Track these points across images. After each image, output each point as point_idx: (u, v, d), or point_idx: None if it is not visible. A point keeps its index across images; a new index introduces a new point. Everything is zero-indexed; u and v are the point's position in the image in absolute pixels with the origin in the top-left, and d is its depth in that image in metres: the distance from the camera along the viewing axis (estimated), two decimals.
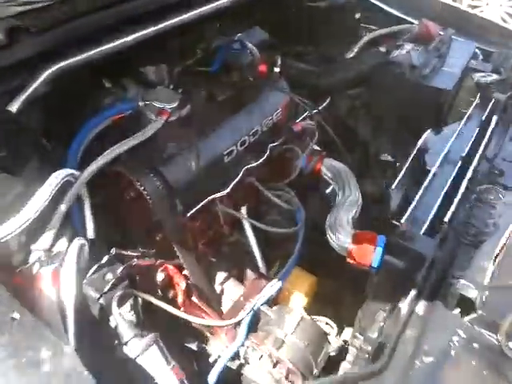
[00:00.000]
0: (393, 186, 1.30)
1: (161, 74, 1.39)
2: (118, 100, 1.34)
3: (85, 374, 0.73)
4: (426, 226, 1.11)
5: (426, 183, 1.23)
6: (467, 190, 1.14)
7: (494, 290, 0.88)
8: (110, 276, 1.03)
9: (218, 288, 1.28)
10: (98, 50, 1.31)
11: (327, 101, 1.77)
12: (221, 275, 1.30)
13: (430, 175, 1.25)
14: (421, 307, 0.91)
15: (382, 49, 1.82)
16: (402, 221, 1.10)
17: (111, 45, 1.34)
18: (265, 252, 1.33)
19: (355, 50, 1.86)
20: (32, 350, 0.73)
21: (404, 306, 0.91)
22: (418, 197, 1.19)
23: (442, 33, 1.83)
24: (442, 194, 1.19)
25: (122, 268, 1.03)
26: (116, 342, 0.96)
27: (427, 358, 0.81)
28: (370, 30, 2.02)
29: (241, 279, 1.33)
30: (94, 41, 1.35)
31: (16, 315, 0.78)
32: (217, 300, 1.26)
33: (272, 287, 1.22)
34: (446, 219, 1.10)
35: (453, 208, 1.11)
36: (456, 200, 1.13)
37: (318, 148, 1.41)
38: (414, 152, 1.39)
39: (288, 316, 1.18)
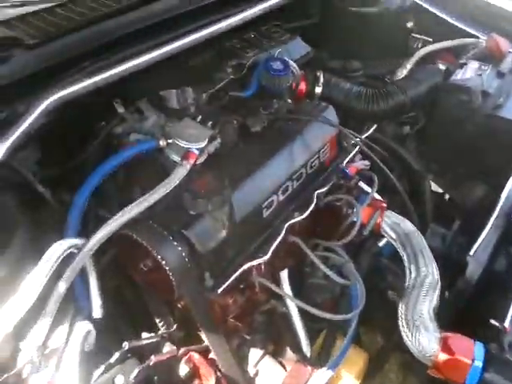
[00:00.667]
0: (471, 252, 1.04)
1: (185, 100, 1.13)
2: (134, 130, 1.11)
3: None
4: None
5: None
6: None
7: None
8: (120, 380, 0.80)
9: (251, 371, 1.04)
10: (110, 72, 1.07)
11: (372, 128, 1.51)
12: (255, 353, 1.06)
13: None
14: None
15: (442, 66, 1.55)
16: (507, 322, 0.84)
17: (126, 65, 1.10)
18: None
19: (408, 66, 1.59)
20: None
21: None
22: None
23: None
24: None
25: (137, 371, 0.79)
26: None
27: None
28: (422, 41, 1.75)
29: (277, 355, 1.09)
30: (105, 58, 1.11)
31: None
32: None
33: (320, 377, 0.98)
34: None
35: None
36: None
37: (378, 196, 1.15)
38: (500, 204, 1.13)
39: None
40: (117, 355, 0.80)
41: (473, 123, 1.35)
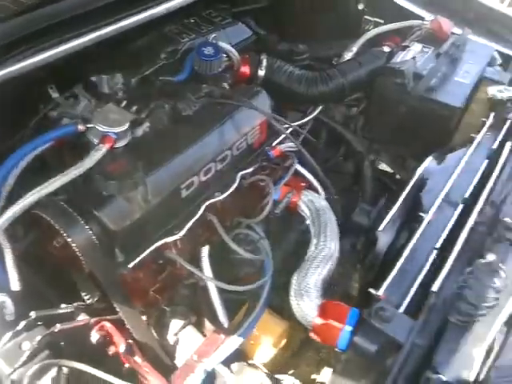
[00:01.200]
0: (381, 227, 1.10)
1: (114, 84, 1.19)
2: (67, 115, 1.17)
3: None
4: (409, 297, 0.91)
5: (417, 235, 1.02)
6: (465, 251, 0.94)
7: None
8: (27, 345, 0.87)
9: (172, 339, 1.12)
10: (41, 56, 1.13)
11: (318, 109, 1.55)
12: (176, 323, 1.13)
13: (424, 224, 1.05)
14: None
15: (386, 49, 1.58)
16: (381, 291, 0.91)
17: (56, 50, 1.15)
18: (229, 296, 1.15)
19: (354, 49, 1.62)
20: None
21: None
22: (405, 255, 0.98)
23: (457, 32, 1.58)
24: (434, 253, 0.99)
25: (40, 337, 0.87)
26: None
27: None
28: (374, 23, 1.77)
29: (199, 325, 1.17)
30: (37, 38, 1.16)
31: None
32: (170, 354, 1.11)
33: (230, 344, 1.06)
34: (435, 288, 0.90)
35: (444, 274, 0.92)
36: (449, 263, 0.93)
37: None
38: (411, 184, 1.18)
39: (248, 379, 1.02)
40: (23, 323, 0.88)
41: (406, 105, 1.39)
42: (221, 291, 1.13)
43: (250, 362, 1.14)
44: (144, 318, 1.08)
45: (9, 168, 0.97)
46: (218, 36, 1.35)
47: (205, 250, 1.13)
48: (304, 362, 1.19)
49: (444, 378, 0.76)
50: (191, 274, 1.13)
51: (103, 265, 0.96)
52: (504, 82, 1.46)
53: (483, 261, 0.89)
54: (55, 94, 1.20)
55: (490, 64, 1.58)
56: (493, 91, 1.39)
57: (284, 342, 1.18)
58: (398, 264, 0.96)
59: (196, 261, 1.13)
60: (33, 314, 0.89)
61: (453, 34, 1.58)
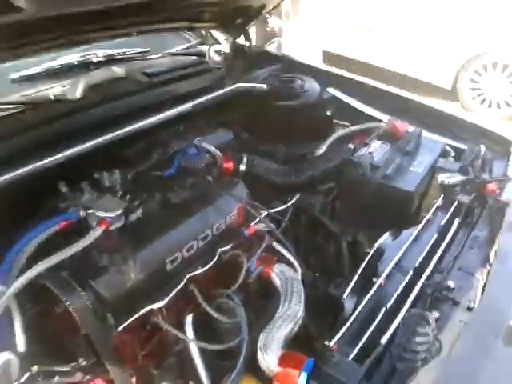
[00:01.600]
0: (344, 295, 1.24)
1: (113, 180, 1.42)
2: (73, 205, 1.38)
3: None
4: (358, 347, 1.04)
5: (369, 295, 1.17)
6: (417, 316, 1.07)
7: None
8: None
9: None
10: (54, 158, 1.38)
11: (296, 198, 1.76)
12: None
13: (375, 287, 1.20)
14: None
15: (351, 146, 1.83)
16: (333, 342, 1.04)
17: (67, 152, 1.41)
18: (214, 362, 1.26)
19: (324, 147, 1.88)
20: None
21: None
22: (357, 312, 1.12)
23: (412, 131, 1.84)
24: (383, 310, 1.13)
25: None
26: None
27: None
28: (343, 126, 2.05)
29: None
30: (52, 148, 1.42)
31: None
32: None
33: None
34: (384, 340, 1.03)
35: (392, 329, 1.05)
36: (398, 319, 1.07)
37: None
38: (368, 257, 1.35)
39: None
40: (27, 375, 1.00)
41: (367, 190, 1.60)
42: (205, 358, 1.25)
43: None
44: (133, 379, 1.19)
45: (22, 245, 1.16)
46: (202, 139, 1.61)
47: (189, 318, 1.27)
48: None
49: None
50: (177, 340, 1.27)
51: (96, 327, 1.11)
52: (454, 170, 1.68)
53: (413, 310, 1.02)
54: (64, 189, 1.42)
55: (444, 156, 1.82)
56: (442, 177, 1.60)
57: None
58: (350, 320, 1.09)
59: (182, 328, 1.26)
60: (35, 369, 1.02)
61: (407, 132, 1.83)
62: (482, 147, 1.72)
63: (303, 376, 0.98)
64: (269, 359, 1.05)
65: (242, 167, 1.72)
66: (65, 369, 1.10)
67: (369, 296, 1.17)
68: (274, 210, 1.65)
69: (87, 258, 1.17)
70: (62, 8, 1.26)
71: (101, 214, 1.22)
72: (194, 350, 1.24)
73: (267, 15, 3.81)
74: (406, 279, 1.22)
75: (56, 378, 1.03)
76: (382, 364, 0.99)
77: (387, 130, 1.85)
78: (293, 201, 1.77)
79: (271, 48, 4.09)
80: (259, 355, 1.07)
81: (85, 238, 1.16)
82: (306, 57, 4.16)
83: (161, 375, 1.25)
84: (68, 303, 1.08)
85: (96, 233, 1.18)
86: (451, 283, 1.17)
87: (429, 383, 0.94)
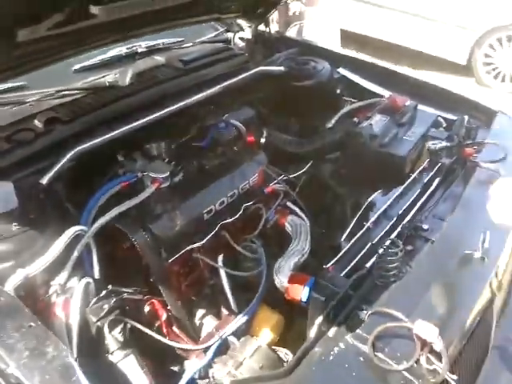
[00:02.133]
0: (342, 239, 1.59)
1: (160, 150, 1.78)
2: (129, 170, 1.75)
3: (77, 369, 1.05)
4: (347, 269, 1.39)
5: (358, 234, 1.52)
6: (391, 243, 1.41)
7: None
8: (105, 306, 1.38)
9: (198, 322, 1.60)
10: (112, 134, 1.75)
11: (308, 165, 2.10)
12: (200, 312, 1.62)
13: (364, 228, 1.54)
14: (332, 331, 1.20)
15: (356, 119, 2.14)
16: (329, 264, 1.40)
17: (123, 128, 1.78)
18: (239, 295, 1.63)
19: (333, 121, 2.19)
20: (41, 347, 1.07)
21: (314, 329, 1.20)
22: (349, 245, 1.48)
23: (407, 104, 2.13)
24: (369, 244, 1.47)
25: (114, 300, 1.38)
26: (105, 352, 1.30)
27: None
28: (351, 102, 2.36)
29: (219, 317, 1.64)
30: (110, 126, 1.79)
31: (33, 324, 1.13)
32: (195, 331, 1.58)
33: (238, 321, 1.53)
34: (368, 265, 1.38)
35: (375, 256, 1.39)
36: (381, 250, 1.41)
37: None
38: (362, 209, 1.68)
39: (249, 345, 1.47)
40: (104, 292, 1.39)
41: (367, 156, 1.92)
42: (233, 289, 1.62)
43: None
44: (179, 303, 1.57)
45: (96, 199, 1.54)
46: (229, 116, 1.95)
47: (220, 257, 1.64)
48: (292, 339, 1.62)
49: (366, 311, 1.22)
50: (212, 275, 1.64)
51: (153, 259, 1.49)
52: (442, 138, 1.97)
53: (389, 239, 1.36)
54: (121, 158, 1.80)
55: (436, 126, 2.12)
56: (429, 144, 1.90)
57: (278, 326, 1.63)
58: (342, 251, 1.45)
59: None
60: (110, 287, 1.41)
61: (405, 106, 2.13)
62: (466, 117, 2.01)
63: (306, 289, 1.33)
64: (281, 278, 1.42)
65: (262, 140, 2.06)
66: (129, 290, 1.48)
67: (358, 235, 1.51)
68: (290, 176, 1.99)
69: (145, 208, 1.55)
70: (123, 12, 1.62)
71: (153, 174, 1.59)
72: (225, 281, 1.61)
73: (288, 1, 4.08)
74: (390, 223, 1.56)
75: (124, 296, 1.41)
76: (365, 281, 1.33)
77: (388, 104, 2.15)
78: (305, 168, 2.10)
79: (293, 31, 4.39)
80: (274, 276, 1.44)
81: (144, 192, 1.54)
82: (324, 37, 4.45)
83: (199, 302, 1.63)
84: (134, 240, 1.45)
85: (151, 189, 1.55)
86: (425, 226, 1.50)
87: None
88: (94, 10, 1.52)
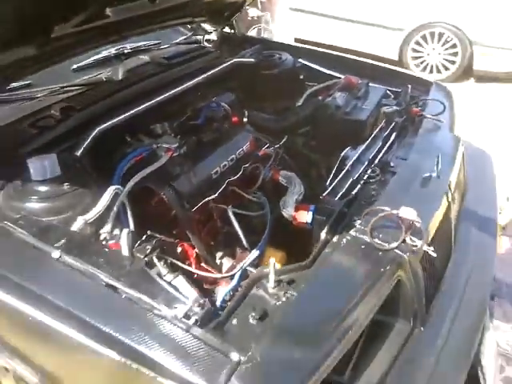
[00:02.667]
0: (327, 182, 1.98)
1: (164, 128, 2.09)
2: (136, 148, 2.04)
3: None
4: (339, 195, 1.78)
5: (339, 177, 1.91)
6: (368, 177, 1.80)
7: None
8: (148, 246, 1.66)
9: (218, 261, 1.91)
10: (120, 117, 2.05)
11: (284, 139, 2.47)
12: (219, 254, 1.93)
13: (345, 170, 1.94)
14: (335, 238, 1.56)
15: (320, 98, 2.55)
16: (324, 194, 1.78)
17: (130, 113, 2.08)
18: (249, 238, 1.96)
19: (301, 100, 2.59)
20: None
21: (321, 237, 1.56)
22: (334, 183, 1.87)
23: (360, 82, 2.57)
24: (350, 180, 1.87)
25: (155, 241, 1.67)
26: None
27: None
28: (312, 85, 2.77)
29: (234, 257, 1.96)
30: (117, 112, 2.08)
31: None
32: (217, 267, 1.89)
33: (253, 254, 1.85)
34: (353, 192, 1.77)
35: (358, 187, 1.78)
36: (360, 181, 1.80)
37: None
38: (339, 160, 2.08)
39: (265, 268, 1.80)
40: (145, 236, 1.67)
41: (335, 123, 2.32)
42: (244, 232, 1.95)
43: None
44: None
45: (122, 166, 1.82)
46: (216, 99, 2.30)
47: (229, 208, 1.97)
48: None
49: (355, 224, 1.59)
50: (224, 223, 1.96)
51: (180, 210, 1.79)
52: (392, 104, 2.42)
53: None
54: (129, 138, 2.09)
55: (386, 97, 2.57)
56: (384, 109, 2.34)
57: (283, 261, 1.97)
58: (330, 187, 1.83)
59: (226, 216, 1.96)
60: (148, 232, 1.69)
61: (359, 83, 2.56)
62: (409, 86, 2.47)
63: (310, 213, 1.70)
64: (288, 209, 1.77)
65: (245, 119, 2.42)
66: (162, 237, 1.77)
67: (339, 177, 1.91)
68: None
69: (164, 172, 1.85)
70: (126, 14, 1.93)
71: (166, 145, 1.91)
72: (236, 225, 1.93)
73: (247, 7, 4.54)
74: (363, 166, 1.96)
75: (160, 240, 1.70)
76: (354, 203, 1.71)
77: (345, 83, 2.57)
78: (283, 141, 2.48)
79: (253, 33, 4.90)
80: (282, 210, 1.79)
81: (162, 158, 1.85)
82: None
83: (216, 245, 1.95)
84: (163, 195, 1.76)
85: (166, 156, 1.87)
86: (391, 163, 1.91)
87: None
88: (108, 11, 1.83)
